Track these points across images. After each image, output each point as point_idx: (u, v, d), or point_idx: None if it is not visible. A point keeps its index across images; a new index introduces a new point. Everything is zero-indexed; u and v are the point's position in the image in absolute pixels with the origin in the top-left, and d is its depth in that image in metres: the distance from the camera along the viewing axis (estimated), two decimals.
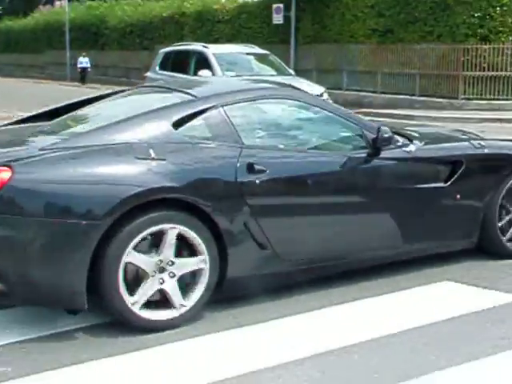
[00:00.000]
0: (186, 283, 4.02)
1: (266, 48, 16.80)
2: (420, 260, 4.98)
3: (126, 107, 4.85)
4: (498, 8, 17.98)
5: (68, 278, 3.73)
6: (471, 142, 5.34)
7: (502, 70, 17.94)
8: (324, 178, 4.52)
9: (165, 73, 14.94)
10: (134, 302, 3.83)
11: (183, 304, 3.97)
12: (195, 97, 4.51)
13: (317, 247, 4.51)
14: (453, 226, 5.09)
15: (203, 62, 13.70)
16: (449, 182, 4.95)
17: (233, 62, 13.87)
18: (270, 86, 5.34)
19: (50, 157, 3.84)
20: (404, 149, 4.83)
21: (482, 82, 18.18)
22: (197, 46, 14.97)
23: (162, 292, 3.93)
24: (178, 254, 3.97)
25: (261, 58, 14.68)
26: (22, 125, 5.11)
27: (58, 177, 3.77)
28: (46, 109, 5.39)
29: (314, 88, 13.24)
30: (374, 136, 4.61)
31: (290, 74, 14.29)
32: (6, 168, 3.69)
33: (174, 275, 3.94)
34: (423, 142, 5.08)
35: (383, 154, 4.67)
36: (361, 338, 3.80)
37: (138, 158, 3.91)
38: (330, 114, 4.78)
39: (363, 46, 21.81)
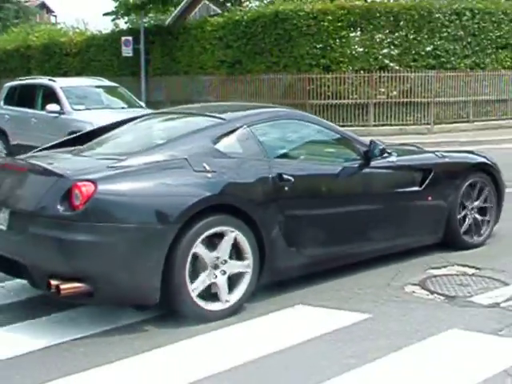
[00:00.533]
0: (232, 282, 4.70)
1: (117, 81, 16.68)
2: (271, 286, 5.11)
3: (164, 129, 5.76)
4: (337, 40, 18.95)
5: (147, 276, 4.36)
6: (435, 153, 6.47)
7: (344, 98, 18.85)
8: (332, 183, 5.48)
9: (10, 108, 14.43)
10: (194, 289, 4.49)
11: (228, 300, 4.67)
12: (224, 119, 5.27)
13: (329, 242, 5.38)
14: (425, 223, 6.15)
15: (51, 96, 13.34)
16: (423, 186, 6.03)
17: (82, 96, 13.62)
18: (283, 109, 6.33)
19: (123, 172, 4.51)
20: (388, 159, 5.83)
21: (327, 109, 18.99)
22: (44, 80, 14.57)
23: (213, 286, 4.61)
24: (230, 256, 4.70)
25: (110, 91, 14.52)
26: (56, 149, 5.72)
27: (134, 189, 4.45)
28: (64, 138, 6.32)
29: None
30: (366, 149, 5.67)
31: (141, 107, 14.23)
32: (89, 183, 4.33)
33: (225, 273, 4.66)
34: (397, 154, 6.05)
35: (373, 163, 5.67)
36: (219, 369, 3.83)
37: (196, 171, 4.66)
38: (331, 131, 5.80)
39: (213, 77, 22.19)
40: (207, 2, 30.37)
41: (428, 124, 19.22)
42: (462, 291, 5.18)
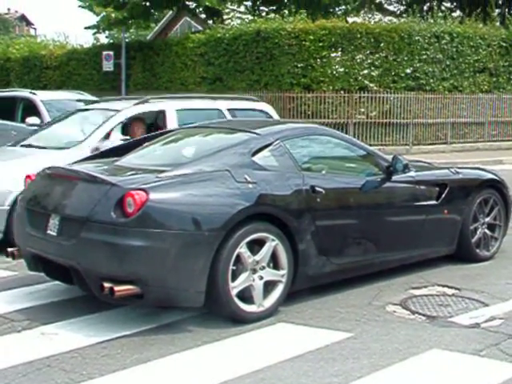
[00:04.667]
0: (266, 288, 5.01)
1: (98, 95, 16.61)
2: None
3: (202, 142, 6.03)
4: (318, 59, 19.10)
5: (194, 280, 4.66)
6: (449, 169, 6.88)
7: (324, 118, 18.95)
8: (357, 195, 5.78)
9: None
10: (233, 287, 4.79)
11: (262, 304, 4.97)
12: (259, 134, 5.62)
13: (355, 251, 5.72)
14: (442, 235, 6.53)
15: (31, 109, 13.25)
16: (439, 200, 6.42)
17: (63, 109, 13.52)
18: (312, 125, 6.82)
19: (172, 182, 4.85)
20: (408, 174, 6.18)
21: None
22: (24, 93, 14.44)
23: (250, 289, 4.92)
24: (268, 264, 5.03)
25: None
26: (96, 160, 6.08)
27: (183, 198, 4.76)
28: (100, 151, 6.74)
29: None
30: (388, 164, 6.06)
31: None
32: (142, 192, 4.62)
33: (262, 278, 4.96)
34: (415, 170, 6.40)
35: (394, 177, 6.04)
36: None
37: (238, 182, 5.00)
38: (356, 147, 6.16)
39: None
40: (189, 19, 30.49)
41: (407, 145, 19.41)
42: (443, 311, 5.22)
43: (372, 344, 4.50)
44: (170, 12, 30.05)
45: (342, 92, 19.01)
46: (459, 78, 20.68)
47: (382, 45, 19.38)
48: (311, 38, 19.04)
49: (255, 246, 4.97)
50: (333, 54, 19.08)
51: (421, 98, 19.79)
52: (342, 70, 19.09)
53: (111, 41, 35.74)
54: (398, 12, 29.84)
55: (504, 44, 21.65)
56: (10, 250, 5.54)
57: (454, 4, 30.69)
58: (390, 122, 19.34)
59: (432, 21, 20.91)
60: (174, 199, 4.71)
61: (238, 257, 4.84)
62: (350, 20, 23.44)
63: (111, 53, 24.17)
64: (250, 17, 24.68)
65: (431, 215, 6.36)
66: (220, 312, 4.90)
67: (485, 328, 4.82)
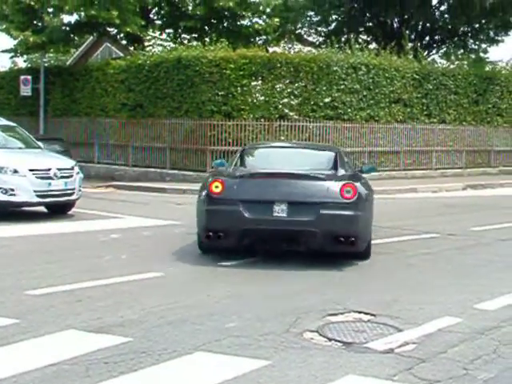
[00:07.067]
0: None
1: (15, 120, 16.28)
2: (166, 333, 5.04)
3: (309, 156, 9.67)
4: (239, 88, 19.29)
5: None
6: None
7: (245, 146, 19.09)
8: None
9: None
10: None
11: None
12: (331, 150, 10.00)
13: None
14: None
15: None
16: None
17: None
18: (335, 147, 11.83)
19: (352, 178, 8.65)
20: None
21: (228, 155, 19.11)
22: None
23: None
24: None
25: (7, 130, 14.12)
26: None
27: (362, 186, 8.58)
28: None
29: (63, 161, 13.05)
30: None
31: (39, 147, 13.93)
32: (352, 184, 8.19)
33: None
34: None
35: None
36: None
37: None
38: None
39: (114, 119, 22.02)
40: (109, 45, 30.30)
41: None
42: (359, 337, 5.32)
43: (289, 372, 4.53)
44: (91, 37, 29.79)
45: (262, 120, 19.26)
46: (375, 108, 21.31)
47: (301, 74, 19.80)
48: (232, 66, 19.23)
49: None
50: (253, 83, 19.33)
51: (339, 126, 20.27)
52: (262, 98, 19.35)
53: (29, 65, 35.11)
54: (317, 43, 30.53)
55: (417, 76, 22.49)
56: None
57: (371, 37, 31.65)
58: None
59: (349, 52, 21.51)
60: (361, 188, 8.42)
61: None
62: (270, 50, 23.82)
63: (29, 77, 23.74)
64: (172, 44, 24.71)
65: None
66: None
67: (398, 353, 4.94)
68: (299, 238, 8.14)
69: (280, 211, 8.00)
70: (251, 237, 8.21)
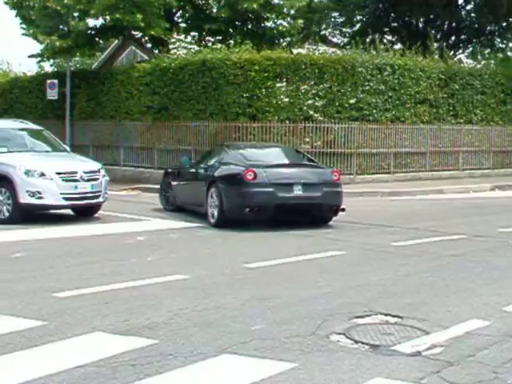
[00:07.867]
0: None
1: (41, 123, 16.42)
2: (196, 334, 5.03)
3: (278, 152, 13.40)
4: (263, 90, 19.30)
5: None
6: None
7: None
8: None
9: None
10: None
11: None
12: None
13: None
14: None
15: None
16: None
17: (5, 138, 13.32)
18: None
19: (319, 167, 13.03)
20: None
21: None
22: None
23: None
24: None
25: (35, 134, 14.28)
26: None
27: None
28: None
29: (89, 164, 13.15)
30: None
31: (65, 150, 14.06)
32: (337, 170, 12.35)
33: None
34: None
35: None
36: None
37: None
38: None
39: (139, 122, 22.14)
40: (134, 48, 30.45)
41: (351, 174, 19.69)
42: (386, 340, 5.27)
43: (316, 374, 4.50)
44: (116, 41, 29.98)
45: (287, 122, 19.23)
46: (401, 109, 21.17)
47: (326, 76, 19.73)
48: (256, 68, 19.25)
49: None
50: (278, 85, 19.32)
51: (364, 128, 20.16)
52: (286, 100, 19.33)
53: (56, 69, 35.43)
54: (342, 44, 30.45)
55: (443, 76, 22.30)
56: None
57: (396, 37, 31.49)
58: (335, 152, 19.62)
59: (374, 53, 21.40)
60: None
61: None
62: (294, 51, 23.77)
63: (55, 81, 23.93)
64: (196, 47, 24.78)
65: None
66: None
67: (426, 356, 4.88)
68: (311, 209, 11.59)
69: (298, 190, 11.29)
70: (279, 210, 11.18)
